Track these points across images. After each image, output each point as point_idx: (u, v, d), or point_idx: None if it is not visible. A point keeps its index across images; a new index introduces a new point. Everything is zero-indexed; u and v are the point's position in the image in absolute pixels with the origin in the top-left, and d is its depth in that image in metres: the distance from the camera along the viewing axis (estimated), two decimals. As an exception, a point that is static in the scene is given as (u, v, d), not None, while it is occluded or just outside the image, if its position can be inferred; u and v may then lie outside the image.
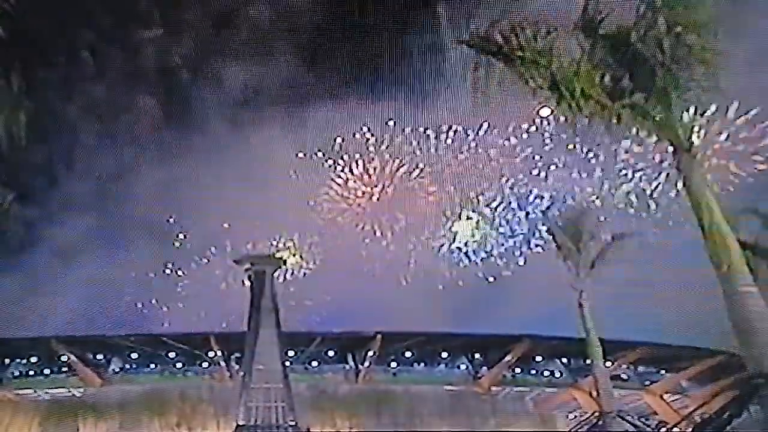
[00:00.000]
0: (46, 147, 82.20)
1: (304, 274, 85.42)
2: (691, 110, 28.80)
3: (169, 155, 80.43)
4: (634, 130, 29.87)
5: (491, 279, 79.45)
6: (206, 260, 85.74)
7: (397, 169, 68.74)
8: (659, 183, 73.04)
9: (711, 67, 27.24)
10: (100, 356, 72.62)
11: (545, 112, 37.71)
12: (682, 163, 28.75)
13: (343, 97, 59.23)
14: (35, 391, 69.95)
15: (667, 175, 66.42)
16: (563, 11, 29.02)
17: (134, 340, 71.96)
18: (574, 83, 27.45)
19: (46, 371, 71.51)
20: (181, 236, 79.62)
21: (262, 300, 61.92)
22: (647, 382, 75.13)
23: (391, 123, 64.41)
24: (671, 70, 28.08)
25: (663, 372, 76.76)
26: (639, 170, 73.78)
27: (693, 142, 28.56)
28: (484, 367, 74.49)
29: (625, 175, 75.96)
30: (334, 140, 69.52)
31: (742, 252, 29.12)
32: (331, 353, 73.44)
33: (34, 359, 71.69)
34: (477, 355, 75.45)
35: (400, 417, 68.84)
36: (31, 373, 71.67)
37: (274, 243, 77.82)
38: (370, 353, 70.47)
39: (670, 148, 28.74)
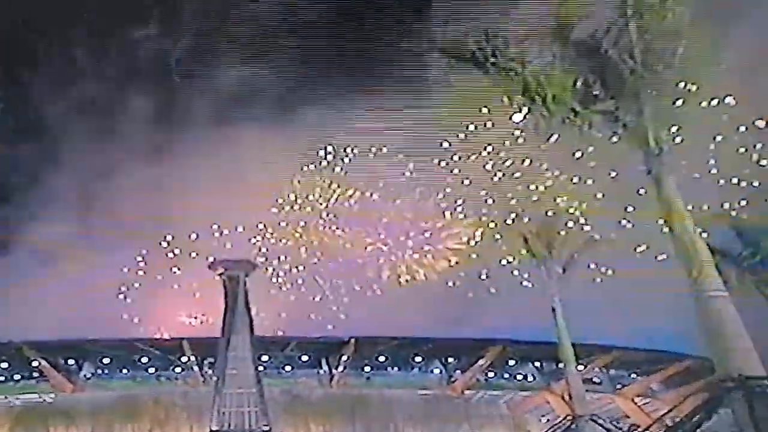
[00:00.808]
0: (27, 146, 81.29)
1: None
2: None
3: (155, 155, 79.70)
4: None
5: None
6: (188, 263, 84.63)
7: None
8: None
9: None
10: (71, 361, 71.85)
11: (518, 117, 37.70)
12: (653, 168, 29.10)
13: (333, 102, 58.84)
14: (6, 397, 69.04)
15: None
16: (536, 19, 29.26)
17: (106, 345, 71.31)
18: (546, 89, 27.74)
19: (17, 377, 70.65)
20: (167, 239, 78.69)
21: (236, 304, 61.80)
22: (619, 386, 75.62)
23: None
24: (642, 77, 28.38)
25: (634, 375, 77.30)
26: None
27: (663, 148, 28.90)
28: (458, 371, 74.57)
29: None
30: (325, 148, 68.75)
31: (712, 257, 29.50)
32: (304, 358, 73.23)
33: (4, 365, 70.83)
34: (451, 359, 75.52)
35: (374, 421, 68.88)
36: (2, 379, 70.79)
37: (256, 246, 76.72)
38: (344, 358, 70.36)
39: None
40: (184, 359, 70.71)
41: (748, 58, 45.46)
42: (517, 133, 49.52)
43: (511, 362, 75.85)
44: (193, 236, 76.34)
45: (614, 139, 30.11)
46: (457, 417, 71.07)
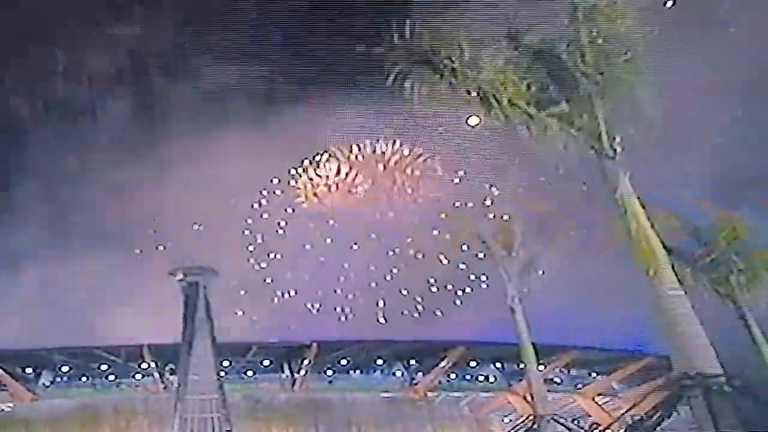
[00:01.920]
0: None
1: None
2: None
3: (130, 157, 78.22)
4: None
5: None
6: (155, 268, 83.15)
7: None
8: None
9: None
10: (29, 370, 70.91)
11: (473, 121, 38.06)
12: (606, 170, 29.52)
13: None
14: (-37, 408, 68.05)
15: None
16: (491, 23, 29.54)
17: (65, 353, 70.48)
18: (501, 93, 28.03)
19: (-26, 387, 69.49)
20: (139, 243, 77.39)
21: (196, 311, 61.52)
22: (579, 385, 76.34)
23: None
24: (596, 81, 28.80)
25: (595, 375, 78.06)
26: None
27: (617, 150, 29.33)
28: (420, 374, 74.84)
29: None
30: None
31: (668, 256, 29.99)
32: (266, 362, 73.03)
33: (-39, 375, 69.64)
34: (413, 362, 75.76)
35: (337, 425, 68.94)
36: (-41, 389, 69.62)
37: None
38: (306, 362, 70.29)
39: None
40: (144, 366, 70.15)
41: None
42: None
43: (473, 364, 76.27)
44: (168, 242, 75.33)
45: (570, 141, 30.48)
46: (419, 419, 71.33)
